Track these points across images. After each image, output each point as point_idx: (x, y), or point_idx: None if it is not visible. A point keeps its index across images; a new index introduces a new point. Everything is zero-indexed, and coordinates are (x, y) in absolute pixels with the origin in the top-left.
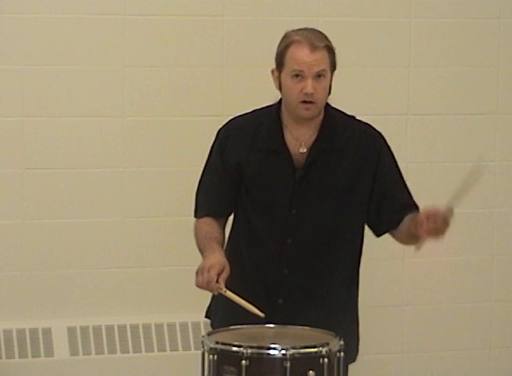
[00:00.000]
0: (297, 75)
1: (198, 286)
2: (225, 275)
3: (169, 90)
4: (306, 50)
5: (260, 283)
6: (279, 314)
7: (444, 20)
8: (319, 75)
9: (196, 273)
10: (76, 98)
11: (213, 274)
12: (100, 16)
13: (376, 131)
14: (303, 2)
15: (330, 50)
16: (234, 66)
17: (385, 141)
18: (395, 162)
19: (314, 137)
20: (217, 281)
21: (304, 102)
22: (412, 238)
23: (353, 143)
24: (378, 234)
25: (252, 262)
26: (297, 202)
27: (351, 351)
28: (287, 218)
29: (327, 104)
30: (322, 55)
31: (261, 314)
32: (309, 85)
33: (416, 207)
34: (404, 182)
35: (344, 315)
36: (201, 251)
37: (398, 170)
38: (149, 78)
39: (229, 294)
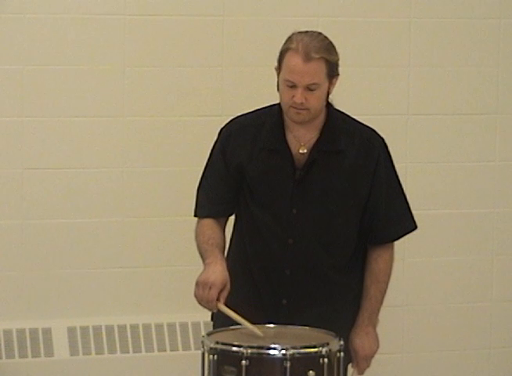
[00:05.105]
0: (289, 83)
1: (197, 300)
2: (225, 293)
3: (169, 90)
4: (299, 60)
5: (264, 283)
6: (284, 314)
7: (444, 20)
8: (312, 86)
9: (197, 284)
10: (76, 98)
11: (214, 294)
12: (100, 16)
13: (378, 137)
14: (303, 2)
15: (328, 61)
16: (234, 66)
17: (386, 148)
18: (394, 173)
19: (315, 138)
20: (217, 299)
21: (295, 107)
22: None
23: (353, 147)
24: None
25: (256, 262)
26: (298, 202)
27: None
28: (288, 218)
29: (330, 105)
30: (316, 66)
31: (260, 334)
32: (298, 95)
33: (403, 228)
34: (399, 196)
35: (348, 315)
36: (202, 256)
37: (395, 184)
38: (149, 78)
39: (229, 312)
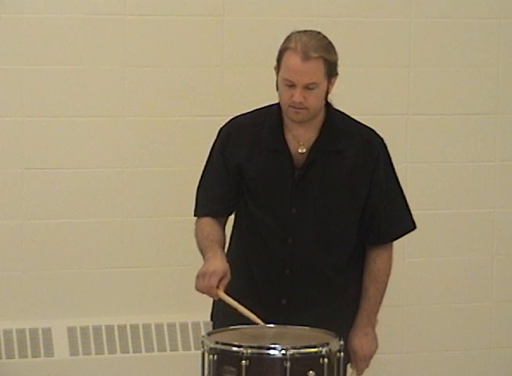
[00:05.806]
0: (288, 82)
1: (198, 290)
2: (225, 281)
3: (169, 90)
4: (298, 60)
5: (263, 283)
6: (283, 314)
7: (444, 20)
8: (310, 86)
9: (197, 277)
10: (76, 98)
11: (214, 281)
12: (100, 16)
13: (378, 137)
14: (303, 2)
15: (326, 60)
16: (234, 66)
17: (385, 148)
18: (393, 174)
19: (314, 138)
20: (217, 287)
21: (294, 107)
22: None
23: (353, 147)
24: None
25: (255, 262)
26: (297, 201)
27: None
28: (287, 218)
29: (329, 105)
30: (314, 65)
31: (261, 322)
32: (297, 94)
33: (401, 228)
34: (398, 196)
35: (347, 315)
36: (202, 253)
37: (394, 184)
38: (149, 78)
39: (229, 300)
